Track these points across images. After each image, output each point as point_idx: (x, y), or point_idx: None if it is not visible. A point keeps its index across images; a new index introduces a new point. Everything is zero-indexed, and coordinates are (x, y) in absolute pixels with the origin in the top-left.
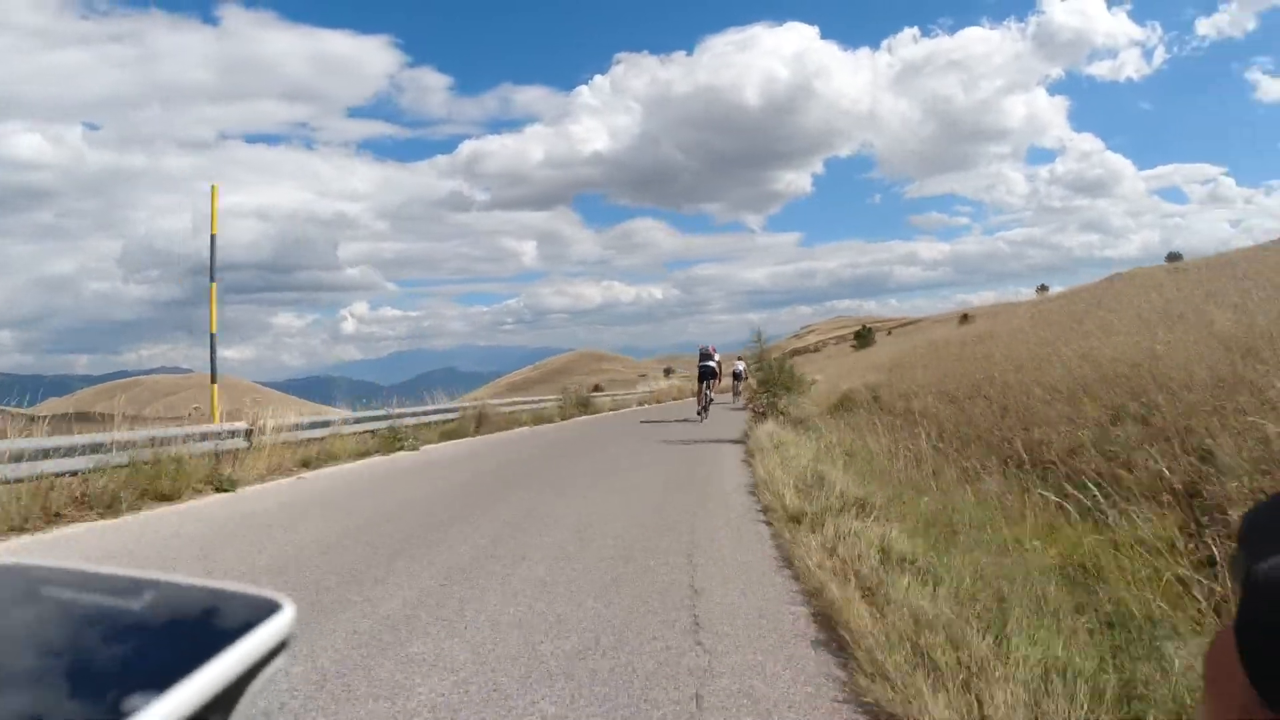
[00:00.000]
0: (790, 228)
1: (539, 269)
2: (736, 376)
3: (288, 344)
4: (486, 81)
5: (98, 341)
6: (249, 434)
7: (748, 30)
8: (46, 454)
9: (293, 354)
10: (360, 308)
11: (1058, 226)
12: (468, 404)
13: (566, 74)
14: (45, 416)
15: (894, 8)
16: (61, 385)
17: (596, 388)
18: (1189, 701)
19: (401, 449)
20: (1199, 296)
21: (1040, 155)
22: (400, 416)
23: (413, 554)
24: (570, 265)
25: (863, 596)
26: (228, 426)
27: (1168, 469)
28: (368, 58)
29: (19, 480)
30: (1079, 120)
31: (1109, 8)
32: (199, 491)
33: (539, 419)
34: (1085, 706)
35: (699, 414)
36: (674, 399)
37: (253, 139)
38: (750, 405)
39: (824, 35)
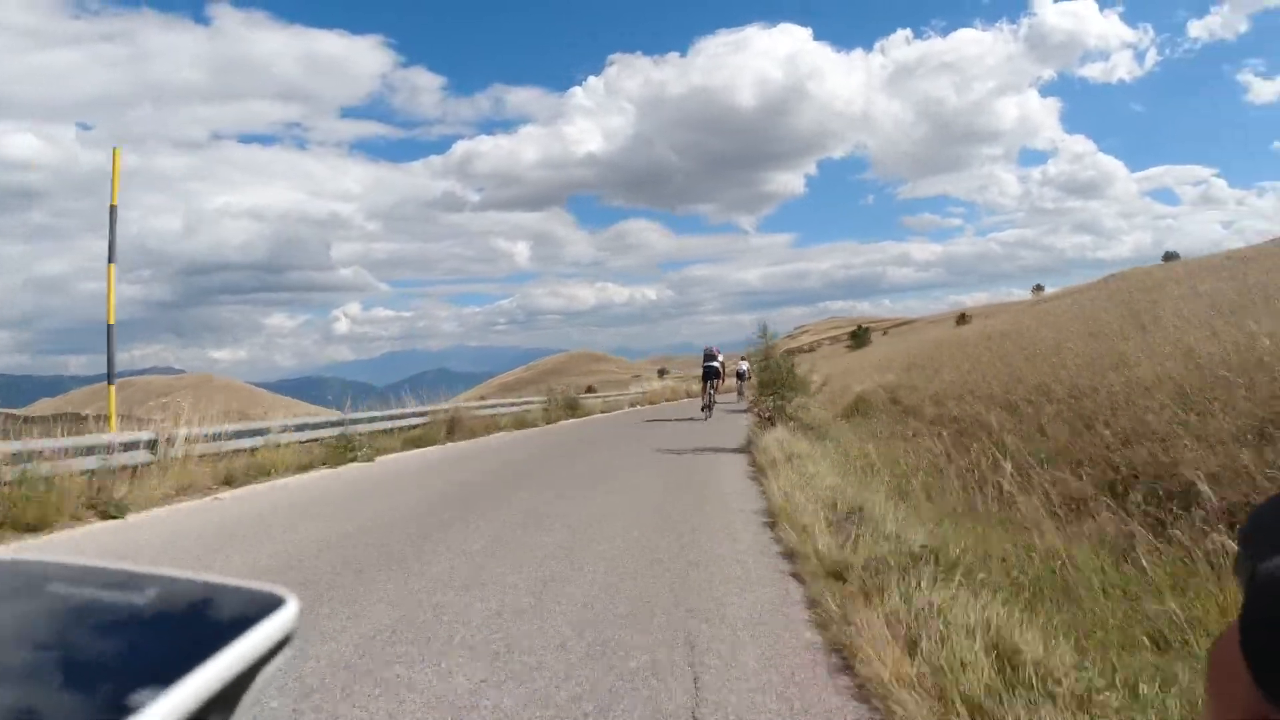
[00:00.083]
0: (783, 229)
1: (532, 270)
2: (740, 376)
3: (280, 345)
4: (479, 82)
5: (90, 342)
6: (153, 445)
7: (741, 32)
8: None
9: (285, 355)
10: (353, 308)
11: (1050, 228)
12: (439, 407)
13: (560, 75)
14: None
15: (887, 9)
16: (55, 385)
17: (590, 388)
18: None
19: (354, 460)
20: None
21: (1032, 157)
22: (355, 422)
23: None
24: (564, 266)
25: None
26: (123, 437)
27: None
28: (360, 58)
29: None
30: (1071, 122)
31: (1101, 10)
32: (78, 520)
33: (520, 423)
34: None
35: (704, 410)
36: (667, 400)
37: (246, 139)
38: (755, 409)
39: (817, 37)
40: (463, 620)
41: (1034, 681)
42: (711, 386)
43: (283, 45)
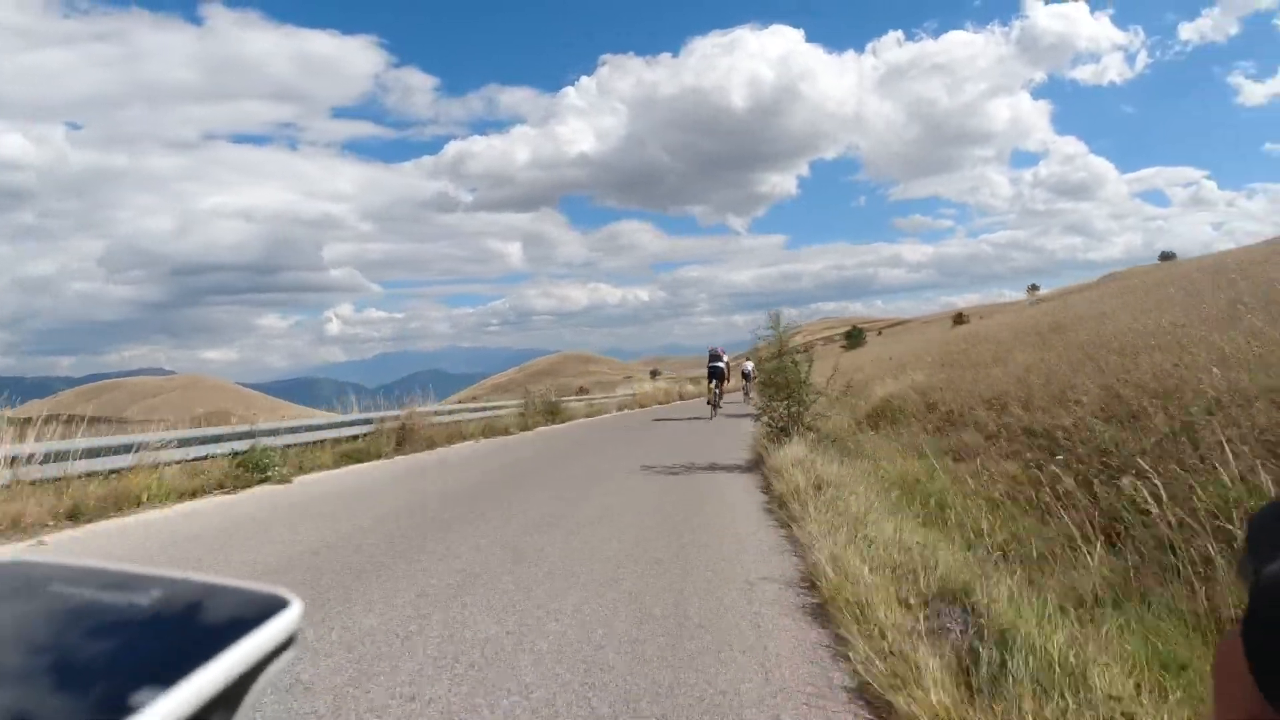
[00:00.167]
0: (775, 230)
1: (525, 270)
2: (746, 376)
3: (272, 346)
4: (472, 82)
5: (80, 343)
6: None
7: (733, 33)
8: None
9: (277, 356)
10: (345, 309)
11: (1041, 229)
12: (387, 414)
13: (552, 75)
14: None
15: (879, 11)
16: (43, 387)
17: (582, 389)
18: None
19: (266, 480)
20: None
21: (1024, 158)
22: (269, 434)
23: None
24: (556, 267)
25: None
26: None
27: None
28: (352, 58)
29: None
30: (1062, 124)
31: (1092, 12)
32: None
33: (490, 430)
34: None
35: (709, 404)
36: (660, 402)
37: (238, 139)
38: (764, 415)
39: (809, 38)
40: None
41: None
42: (716, 386)
43: (275, 45)
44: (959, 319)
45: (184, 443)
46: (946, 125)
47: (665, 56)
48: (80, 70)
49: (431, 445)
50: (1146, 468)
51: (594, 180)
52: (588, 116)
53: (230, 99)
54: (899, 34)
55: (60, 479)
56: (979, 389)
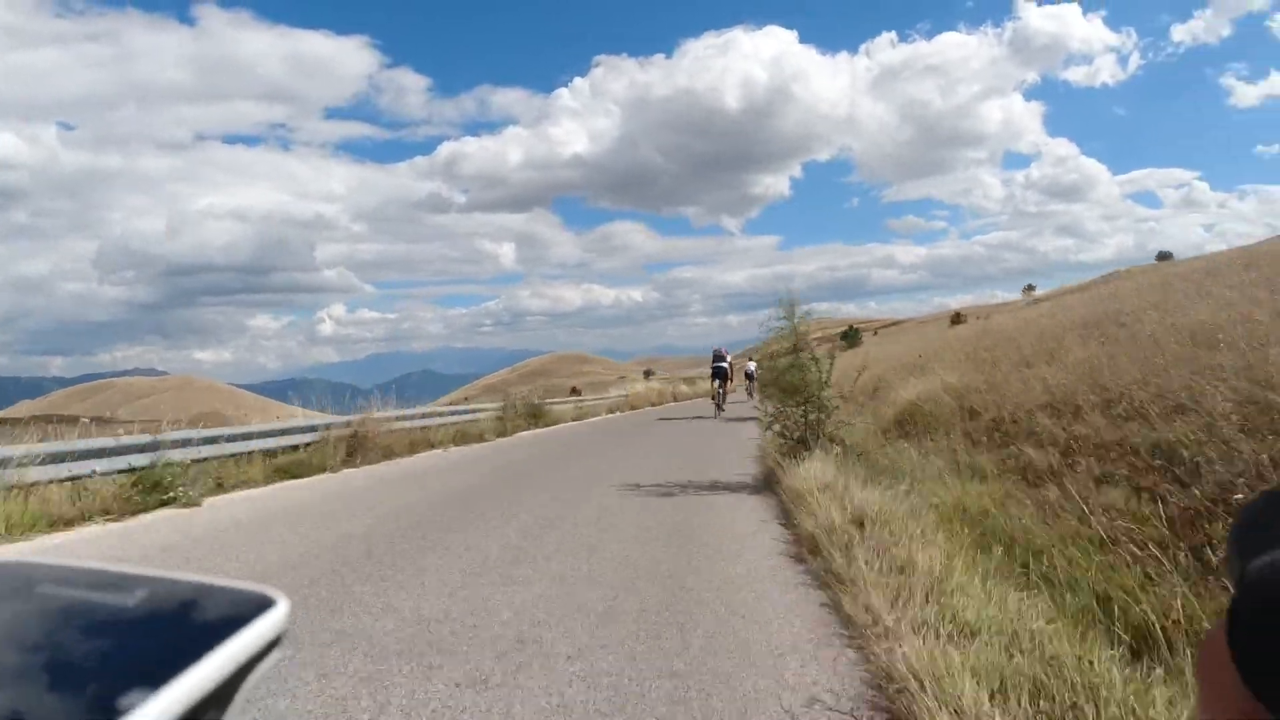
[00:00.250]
0: (769, 231)
1: (518, 271)
2: (749, 376)
3: (264, 346)
4: (465, 83)
5: (72, 343)
6: None
7: (726, 34)
8: None
9: (269, 356)
10: (338, 310)
11: (1033, 231)
12: (337, 419)
13: (545, 76)
14: None
15: (872, 12)
16: (35, 388)
17: (574, 390)
18: None
19: (169, 503)
20: None
21: (1016, 160)
22: (181, 445)
23: None
24: (549, 267)
25: None
26: None
27: None
28: (345, 58)
29: None
30: (1054, 125)
31: (1084, 13)
32: None
33: (464, 437)
34: None
35: (713, 403)
36: (653, 404)
37: (230, 140)
38: (776, 424)
39: (802, 39)
40: None
41: None
42: (720, 386)
43: (267, 45)
44: (956, 319)
45: (55, 458)
46: (939, 127)
47: (659, 57)
48: (72, 70)
49: (389, 455)
50: None
51: (587, 181)
52: (581, 118)
53: (223, 99)
54: (892, 35)
55: None
56: (1032, 391)
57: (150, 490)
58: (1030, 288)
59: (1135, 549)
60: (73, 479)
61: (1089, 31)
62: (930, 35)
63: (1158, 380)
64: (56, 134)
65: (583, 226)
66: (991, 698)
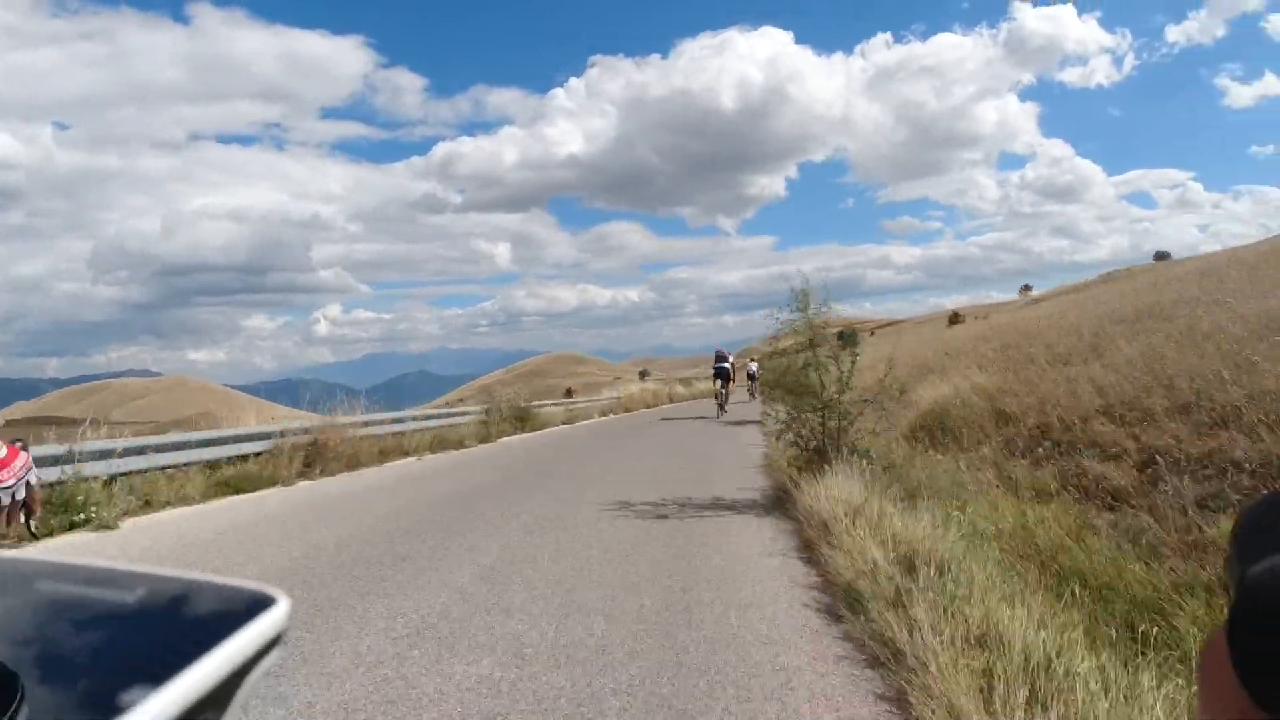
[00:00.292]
0: (765, 231)
1: (514, 271)
2: (751, 377)
3: (260, 347)
4: (461, 83)
5: (67, 344)
6: None
7: (722, 34)
8: None
9: (265, 357)
10: (333, 310)
11: (1028, 231)
12: (292, 426)
13: (541, 76)
14: None
15: (867, 13)
16: (31, 389)
17: (569, 391)
18: None
19: (80, 525)
20: None
21: (1011, 161)
22: (102, 456)
23: None
24: (545, 268)
25: None
26: None
27: None
28: (341, 58)
29: None
30: (1049, 126)
31: (1080, 14)
32: None
33: (442, 443)
34: None
35: (716, 403)
36: (647, 406)
37: (225, 139)
38: (788, 431)
39: (798, 40)
40: None
41: None
42: (722, 387)
43: (263, 45)
44: (955, 319)
45: None
46: (934, 128)
47: (654, 58)
48: (68, 70)
49: (354, 465)
50: None
51: (583, 181)
52: (577, 118)
53: (218, 99)
54: (887, 36)
55: None
56: (1080, 392)
57: (60, 510)
58: (1027, 288)
59: None
60: None
61: (1084, 33)
62: (925, 36)
63: (1251, 380)
64: (52, 134)
65: (578, 227)
66: None
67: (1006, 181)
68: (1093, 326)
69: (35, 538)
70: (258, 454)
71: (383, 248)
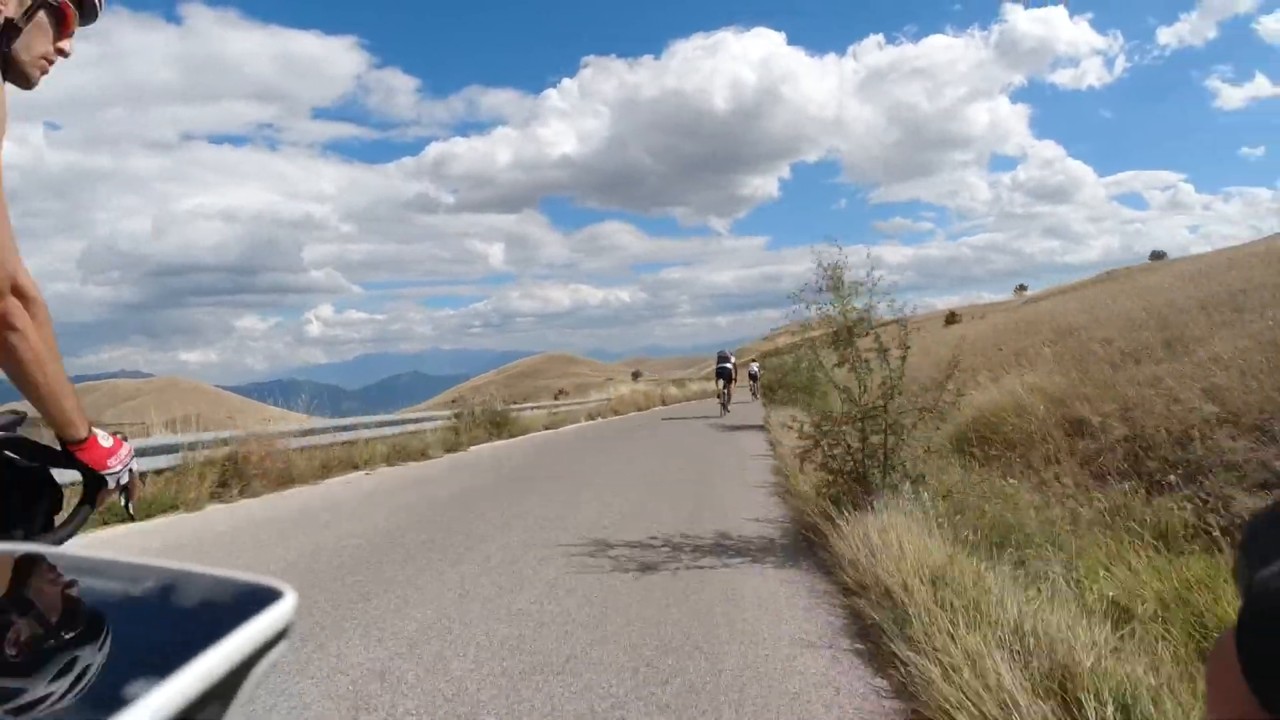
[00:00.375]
0: (757, 231)
1: (507, 272)
2: (753, 377)
3: (251, 347)
4: (454, 84)
5: (59, 344)
6: None
7: (715, 35)
8: None
9: (256, 358)
10: (325, 311)
11: (1020, 232)
12: (208, 437)
13: (534, 77)
14: None
15: (859, 15)
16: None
17: (561, 392)
18: None
19: None
20: None
21: (1002, 162)
22: None
23: None
24: (538, 268)
25: None
26: None
27: None
28: (334, 58)
29: None
30: (1041, 128)
31: (1071, 16)
32: None
33: (401, 454)
34: None
35: (719, 403)
36: (639, 408)
37: (217, 140)
38: (819, 449)
39: (791, 41)
40: None
41: None
42: (725, 387)
43: (255, 45)
44: (952, 318)
45: None
46: (927, 129)
47: (647, 59)
48: (59, 69)
49: (285, 483)
50: None
51: (576, 182)
52: (570, 118)
53: (210, 99)
54: (879, 38)
55: None
56: (1180, 396)
57: None
58: (1022, 287)
59: None
60: None
61: (1075, 34)
62: (917, 38)
63: None
64: (44, 134)
65: (571, 227)
66: None
67: (998, 183)
68: (1156, 319)
69: (132, 518)
70: (159, 471)
71: (375, 248)
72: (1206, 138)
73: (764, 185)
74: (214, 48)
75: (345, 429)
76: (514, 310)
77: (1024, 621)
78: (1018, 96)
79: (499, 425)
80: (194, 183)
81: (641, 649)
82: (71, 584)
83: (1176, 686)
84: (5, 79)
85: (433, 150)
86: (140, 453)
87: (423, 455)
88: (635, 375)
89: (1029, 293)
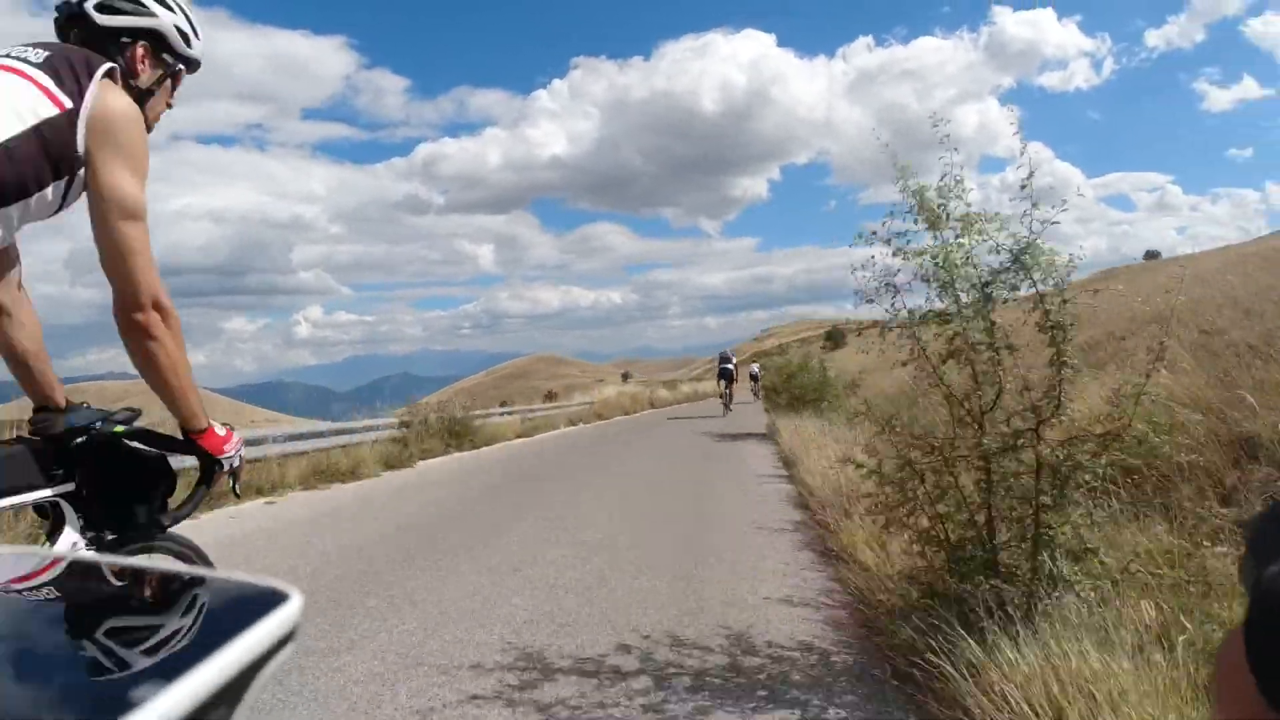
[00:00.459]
0: (747, 233)
1: (497, 273)
2: (753, 378)
3: (240, 349)
4: (443, 84)
5: (49, 347)
6: None
7: (705, 37)
8: None
9: (245, 359)
10: (314, 312)
11: (1008, 234)
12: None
13: (524, 78)
14: None
15: (849, 17)
16: (9, 391)
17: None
18: None
19: None
20: None
21: (991, 164)
22: None
23: None
24: (528, 269)
25: None
26: None
27: None
28: (323, 59)
29: None
30: (1029, 129)
31: (1059, 19)
32: None
33: (328, 474)
34: None
35: (721, 403)
36: (625, 412)
37: (206, 140)
38: (899, 505)
39: (781, 43)
40: None
41: None
42: (727, 387)
43: (244, 45)
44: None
45: None
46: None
47: (637, 60)
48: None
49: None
50: None
51: (566, 182)
52: (560, 119)
53: (198, 99)
54: (869, 39)
55: None
56: None
57: None
58: (1014, 287)
59: None
60: None
61: (1064, 37)
62: (906, 40)
63: None
64: None
65: (562, 228)
66: None
67: (986, 184)
68: (1236, 308)
69: (238, 497)
70: None
71: (364, 249)
72: (1194, 140)
73: (753, 186)
74: (203, 48)
75: (250, 444)
76: (504, 312)
77: None
78: (1006, 98)
79: (459, 435)
80: (182, 183)
81: None
82: (80, 587)
83: None
84: None
85: (422, 151)
86: None
87: (352, 474)
88: (625, 377)
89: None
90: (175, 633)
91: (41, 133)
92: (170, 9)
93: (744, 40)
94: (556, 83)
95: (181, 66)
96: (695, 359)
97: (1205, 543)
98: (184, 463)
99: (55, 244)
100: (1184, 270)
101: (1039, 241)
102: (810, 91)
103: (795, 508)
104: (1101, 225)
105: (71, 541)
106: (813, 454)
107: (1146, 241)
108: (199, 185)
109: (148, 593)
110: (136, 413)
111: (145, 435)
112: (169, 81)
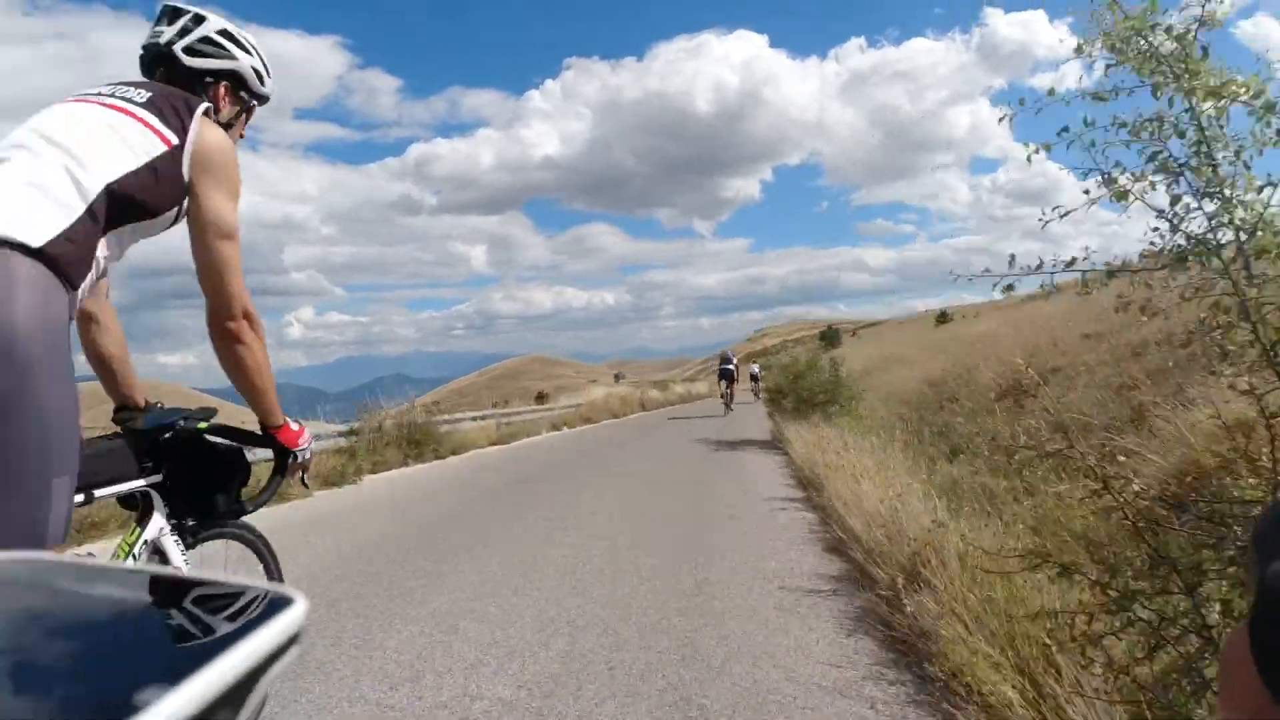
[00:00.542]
0: (740, 234)
1: (490, 274)
2: (754, 378)
3: None
4: (437, 84)
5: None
6: None
7: (698, 38)
8: None
9: None
10: (306, 313)
11: (1000, 235)
12: None
13: (517, 78)
14: None
15: (841, 18)
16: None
17: (541, 395)
18: None
19: None
20: None
21: (983, 165)
22: None
23: None
24: (522, 270)
25: None
26: None
27: None
28: (316, 59)
29: None
30: (1021, 130)
31: (1051, 20)
32: None
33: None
34: None
35: (722, 403)
36: (614, 415)
37: None
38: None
39: (773, 44)
40: None
41: None
42: (728, 387)
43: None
44: (942, 318)
45: None
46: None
47: (630, 61)
48: (41, 68)
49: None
50: None
51: (560, 183)
52: (553, 120)
53: None
54: (861, 41)
55: None
56: None
57: None
58: (1010, 287)
59: None
60: None
61: (1055, 38)
62: (899, 41)
63: None
64: None
65: (555, 229)
66: None
67: (978, 185)
68: None
69: (307, 488)
70: None
71: (357, 250)
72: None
73: (746, 187)
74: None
75: None
76: (497, 312)
77: None
78: (998, 99)
79: (418, 444)
80: None
81: None
82: (81, 591)
83: None
84: None
85: (415, 151)
86: None
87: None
88: (617, 377)
89: (1015, 293)
90: (179, 637)
91: (155, 167)
92: (248, 52)
93: (737, 41)
94: (549, 83)
95: (255, 102)
96: (690, 359)
97: None
98: (256, 455)
99: None
100: None
101: None
102: (803, 92)
103: (827, 550)
104: (1091, 226)
105: (159, 527)
106: (845, 476)
107: (1137, 242)
108: None
109: (151, 596)
110: (213, 410)
111: (224, 430)
112: (244, 115)
